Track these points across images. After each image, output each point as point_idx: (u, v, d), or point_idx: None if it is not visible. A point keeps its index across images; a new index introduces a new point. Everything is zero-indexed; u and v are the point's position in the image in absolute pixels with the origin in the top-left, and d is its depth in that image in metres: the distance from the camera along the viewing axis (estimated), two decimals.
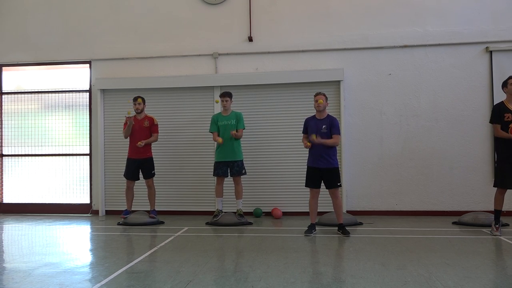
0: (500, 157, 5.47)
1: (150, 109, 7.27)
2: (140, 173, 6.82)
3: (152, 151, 6.91)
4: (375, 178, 7.17)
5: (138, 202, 7.21)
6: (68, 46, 7.89)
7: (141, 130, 6.69)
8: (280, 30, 7.47)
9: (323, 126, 5.62)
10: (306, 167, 5.83)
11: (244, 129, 6.66)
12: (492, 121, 5.51)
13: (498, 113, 5.43)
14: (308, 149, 5.76)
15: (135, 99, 6.77)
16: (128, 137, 6.77)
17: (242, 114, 6.71)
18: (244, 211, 6.68)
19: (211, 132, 6.68)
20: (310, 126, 5.71)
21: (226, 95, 6.63)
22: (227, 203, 6.97)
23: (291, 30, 7.44)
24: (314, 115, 5.82)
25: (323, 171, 5.61)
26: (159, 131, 6.88)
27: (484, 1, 7.11)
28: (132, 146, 6.71)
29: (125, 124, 6.68)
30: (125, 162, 6.85)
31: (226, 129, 6.51)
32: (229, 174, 6.56)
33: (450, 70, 7.11)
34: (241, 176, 6.61)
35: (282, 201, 7.24)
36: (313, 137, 5.48)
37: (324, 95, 5.75)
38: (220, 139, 6.45)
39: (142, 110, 6.78)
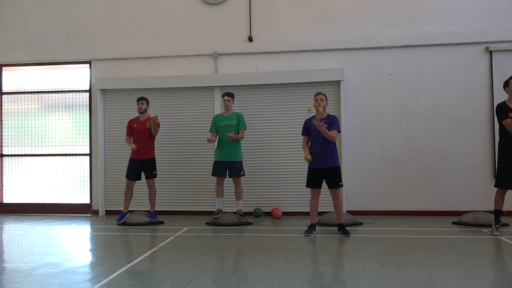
0: (502, 157, 5.45)
1: (150, 109, 7.24)
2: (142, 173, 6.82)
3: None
4: (375, 178, 7.17)
5: (138, 202, 7.21)
6: (68, 46, 7.89)
7: (144, 131, 6.68)
8: (280, 30, 7.47)
9: (325, 125, 5.61)
10: (306, 167, 5.82)
11: (245, 129, 6.66)
12: (502, 118, 5.37)
13: (503, 111, 5.34)
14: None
15: (138, 99, 6.76)
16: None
17: (243, 114, 6.71)
18: (244, 211, 6.69)
19: (211, 133, 6.69)
20: (312, 127, 5.68)
21: (228, 95, 6.63)
22: (227, 204, 6.97)
23: (291, 30, 7.45)
24: (314, 115, 5.79)
25: (324, 171, 5.61)
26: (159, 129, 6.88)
27: (484, 1, 7.11)
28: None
29: (128, 135, 6.76)
30: (125, 163, 6.86)
31: (226, 130, 6.51)
32: (227, 175, 6.57)
33: (450, 70, 7.11)
34: (241, 177, 6.62)
35: (282, 201, 7.24)
36: (309, 108, 5.43)
37: (324, 94, 5.75)
38: (211, 138, 6.46)
39: (145, 111, 6.77)
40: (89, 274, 4.09)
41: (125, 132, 6.87)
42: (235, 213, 6.63)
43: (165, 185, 7.44)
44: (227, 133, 6.40)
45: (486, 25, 7.07)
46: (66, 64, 8.00)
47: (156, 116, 6.53)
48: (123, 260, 4.49)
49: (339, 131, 5.74)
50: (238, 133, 6.55)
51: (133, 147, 6.61)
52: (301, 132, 5.87)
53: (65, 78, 8.07)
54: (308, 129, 5.73)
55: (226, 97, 6.60)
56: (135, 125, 6.74)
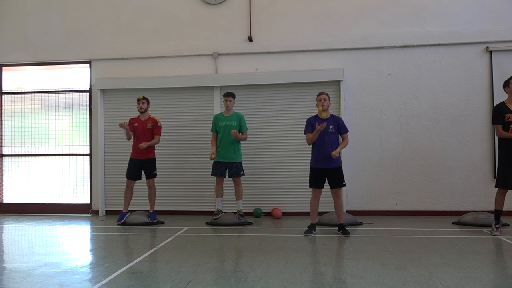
0: (502, 157, 5.46)
1: (150, 109, 7.24)
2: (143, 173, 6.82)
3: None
4: (375, 178, 7.17)
5: (137, 202, 7.21)
6: (68, 46, 7.89)
7: (144, 131, 6.68)
8: (280, 30, 7.47)
9: (331, 126, 5.59)
10: (306, 167, 5.82)
11: (247, 130, 6.67)
12: (494, 121, 5.49)
13: (499, 114, 5.42)
14: (310, 149, 5.77)
15: (138, 99, 6.76)
16: (132, 138, 6.78)
17: (243, 115, 6.71)
18: (244, 211, 6.69)
19: (212, 132, 6.71)
20: (317, 125, 5.62)
21: (229, 95, 6.63)
22: (227, 203, 6.97)
23: (291, 30, 7.44)
24: (316, 115, 5.79)
25: (328, 171, 5.60)
26: (161, 133, 6.88)
27: (484, 1, 7.11)
28: (135, 146, 6.72)
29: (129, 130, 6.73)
30: (125, 163, 6.86)
31: (227, 130, 6.51)
32: (227, 175, 6.57)
33: (450, 70, 7.11)
34: (241, 177, 6.62)
35: (282, 201, 7.24)
36: (334, 153, 5.45)
37: (327, 94, 5.73)
38: (213, 156, 6.45)
39: (145, 110, 6.77)
40: (89, 274, 4.09)
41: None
42: (235, 213, 6.63)
43: (165, 185, 7.44)
44: (229, 133, 6.40)
45: (486, 25, 7.07)
46: (66, 64, 8.00)
47: (143, 144, 6.53)
48: (123, 260, 4.49)
49: (348, 131, 5.80)
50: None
51: (122, 122, 6.58)
52: (303, 131, 5.80)
53: (65, 78, 8.07)
54: (313, 126, 5.66)
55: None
56: (135, 124, 6.74)
